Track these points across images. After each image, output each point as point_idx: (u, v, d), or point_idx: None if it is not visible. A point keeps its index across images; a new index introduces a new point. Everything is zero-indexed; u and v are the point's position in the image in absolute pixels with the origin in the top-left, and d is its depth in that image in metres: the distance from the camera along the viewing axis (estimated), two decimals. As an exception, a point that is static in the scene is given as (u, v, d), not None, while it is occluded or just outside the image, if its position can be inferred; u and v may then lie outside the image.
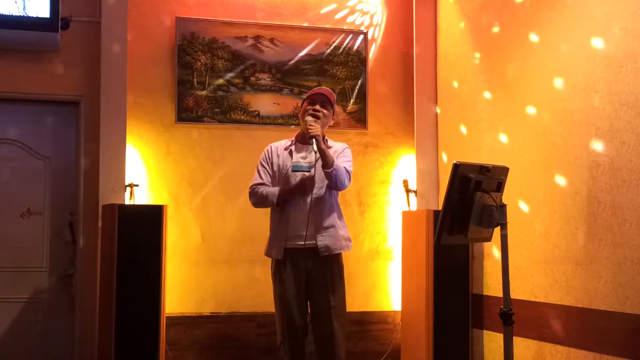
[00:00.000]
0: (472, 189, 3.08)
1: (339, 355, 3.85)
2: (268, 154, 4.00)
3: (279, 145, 4.02)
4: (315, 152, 3.74)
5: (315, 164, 3.83)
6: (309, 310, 3.92)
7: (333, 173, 3.77)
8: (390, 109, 5.32)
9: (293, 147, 3.97)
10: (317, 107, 3.90)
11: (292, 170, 3.90)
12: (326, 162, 3.75)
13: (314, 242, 3.82)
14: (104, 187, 4.57)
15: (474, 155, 4.71)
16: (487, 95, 4.67)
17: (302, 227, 3.80)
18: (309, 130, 3.77)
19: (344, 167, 3.84)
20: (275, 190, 3.88)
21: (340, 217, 3.96)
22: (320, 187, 3.87)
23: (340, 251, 3.90)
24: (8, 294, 4.61)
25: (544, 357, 4.07)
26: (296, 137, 4.02)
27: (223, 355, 4.84)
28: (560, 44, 4.01)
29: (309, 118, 3.84)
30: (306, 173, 3.87)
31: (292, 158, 3.94)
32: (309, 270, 3.86)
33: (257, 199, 3.92)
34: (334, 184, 3.83)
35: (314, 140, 3.74)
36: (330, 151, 3.84)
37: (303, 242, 3.80)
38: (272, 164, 3.96)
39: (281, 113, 5.10)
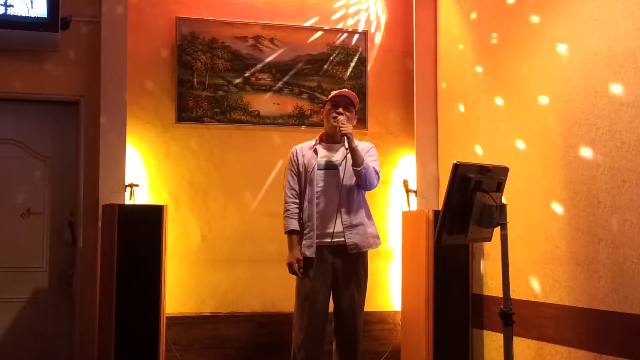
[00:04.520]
0: (472, 189, 3.08)
1: (358, 350, 3.95)
2: (293, 156, 4.07)
3: (303, 146, 4.09)
4: (347, 150, 3.82)
5: (342, 162, 3.90)
6: (330, 307, 3.98)
7: (363, 172, 3.84)
8: (390, 109, 5.32)
9: (318, 147, 4.03)
10: (340, 109, 3.95)
11: (318, 169, 3.96)
12: (356, 160, 3.82)
13: (343, 239, 3.89)
14: (104, 187, 4.57)
15: (474, 155, 4.71)
16: (487, 95, 4.67)
17: (330, 225, 3.87)
18: (341, 129, 3.84)
19: (373, 167, 3.90)
20: (288, 226, 3.96)
21: (368, 215, 4.02)
22: (348, 185, 3.93)
23: (368, 249, 3.98)
24: (8, 294, 4.61)
25: (544, 357, 4.07)
26: (320, 138, 4.09)
27: (223, 355, 4.84)
28: (560, 44, 4.01)
29: (341, 117, 3.90)
30: (334, 171, 3.95)
31: (317, 157, 3.99)
32: (336, 266, 3.93)
33: (283, 219, 4.03)
34: (363, 183, 3.89)
35: (345, 138, 3.82)
36: None
37: (330, 240, 3.88)
38: (297, 165, 4.03)
39: (281, 113, 5.09)
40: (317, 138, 4.09)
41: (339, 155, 3.96)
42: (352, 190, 3.94)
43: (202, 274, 4.88)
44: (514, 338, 3.24)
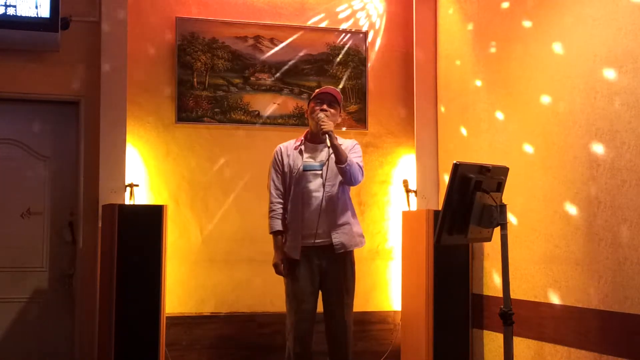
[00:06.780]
0: (472, 189, 3.08)
1: (349, 351, 3.91)
2: (278, 156, 4.02)
3: (288, 145, 4.03)
4: (329, 148, 3.77)
5: (327, 162, 3.87)
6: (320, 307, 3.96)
7: (347, 168, 3.80)
8: (390, 109, 5.32)
9: (303, 147, 3.99)
10: (325, 106, 3.91)
11: (304, 170, 3.92)
12: (339, 157, 3.78)
13: (329, 239, 3.86)
14: (104, 187, 4.57)
15: (474, 155, 4.71)
16: (487, 95, 4.67)
17: (315, 226, 3.85)
18: (322, 126, 3.79)
19: (357, 163, 3.87)
20: (273, 227, 3.94)
21: (353, 214, 4.00)
22: (332, 184, 3.90)
23: (354, 248, 3.95)
24: (8, 294, 4.61)
25: (544, 357, 4.07)
26: (305, 137, 4.04)
27: (223, 355, 4.84)
28: (560, 44, 4.01)
29: (321, 115, 3.85)
30: (318, 172, 3.91)
31: (302, 157, 3.95)
32: (323, 267, 3.90)
33: (268, 219, 3.99)
34: (348, 179, 3.86)
35: (327, 135, 3.76)
36: None
37: (314, 240, 3.85)
38: (282, 165, 3.98)
39: (281, 113, 5.10)
40: (302, 137, 4.04)
41: (324, 155, 3.92)
42: (337, 189, 3.90)
43: (202, 274, 4.88)
44: (514, 338, 3.24)
